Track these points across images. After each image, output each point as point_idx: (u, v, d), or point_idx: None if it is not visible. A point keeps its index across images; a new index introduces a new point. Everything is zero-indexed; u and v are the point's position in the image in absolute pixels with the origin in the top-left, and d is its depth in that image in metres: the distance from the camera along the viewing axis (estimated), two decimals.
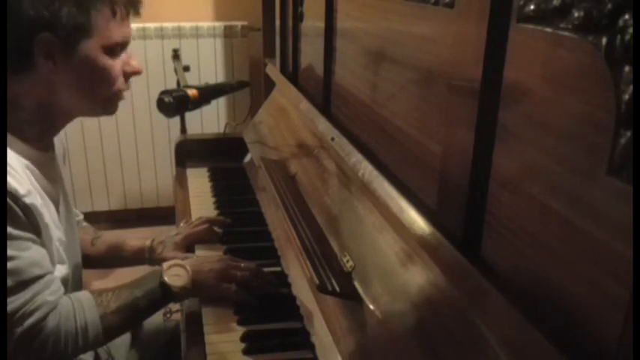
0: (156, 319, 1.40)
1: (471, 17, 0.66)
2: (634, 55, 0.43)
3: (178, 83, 2.20)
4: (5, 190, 0.87)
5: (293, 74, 1.69)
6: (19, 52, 0.92)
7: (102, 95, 1.01)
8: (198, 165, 1.80)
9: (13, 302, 0.86)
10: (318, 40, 1.35)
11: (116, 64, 1.00)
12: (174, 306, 1.56)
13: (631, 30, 0.44)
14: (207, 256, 1.09)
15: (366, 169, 0.94)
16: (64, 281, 1.01)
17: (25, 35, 0.90)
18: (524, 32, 0.58)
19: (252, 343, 0.97)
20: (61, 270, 1.00)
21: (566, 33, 0.52)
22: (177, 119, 2.14)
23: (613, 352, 0.47)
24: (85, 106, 1.02)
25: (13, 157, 0.92)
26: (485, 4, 0.62)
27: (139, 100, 2.79)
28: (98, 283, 1.97)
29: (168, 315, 1.66)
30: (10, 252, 0.86)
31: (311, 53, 1.50)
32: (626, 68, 0.44)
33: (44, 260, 0.92)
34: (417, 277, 0.75)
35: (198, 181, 1.70)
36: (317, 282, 0.87)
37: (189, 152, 1.83)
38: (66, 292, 1.02)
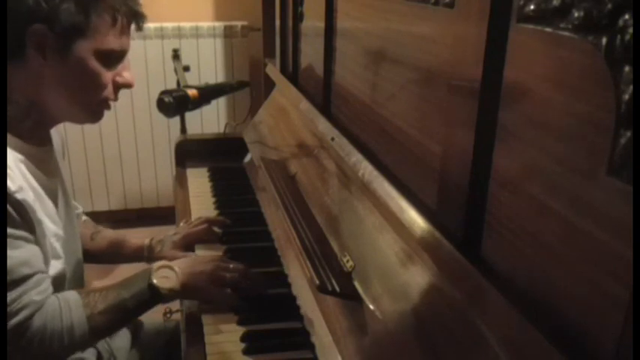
0: (156, 319, 1.40)
1: (471, 17, 0.66)
2: (634, 55, 0.43)
3: (178, 83, 2.20)
4: (5, 190, 0.87)
5: (293, 74, 1.69)
6: (12, 39, 0.92)
7: (87, 100, 1.01)
8: (198, 165, 1.80)
9: None
10: (318, 40, 1.35)
11: (107, 72, 1.00)
12: (174, 306, 1.56)
13: (631, 30, 0.44)
14: (197, 258, 1.09)
15: (366, 169, 0.94)
16: (60, 277, 1.01)
17: (20, 23, 0.90)
18: (524, 32, 0.58)
19: (252, 343, 0.97)
20: (56, 266, 1.00)
21: (566, 33, 0.52)
22: (177, 119, 2.14)
23: (613, 352, 0.47)
24: (70, 109, 1.02)
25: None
26: (485, 4, 0.62)
27: (139, 100, 2.80)
28: (98, 283, 1.97)
29: (168, 315, 1.66)
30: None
31: (311, 53, 1.50)
32: (626, 68, 0.44)
33: (34, 259, 0.92)
34: (417, 277, 0.75)
35: (198, 181, 1.70)
36: (317, 282, 0.87)
37: (189, 152, 1.83)
38: (65, 288, 1.02)
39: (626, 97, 0.45)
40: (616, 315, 0.46)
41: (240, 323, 1.03)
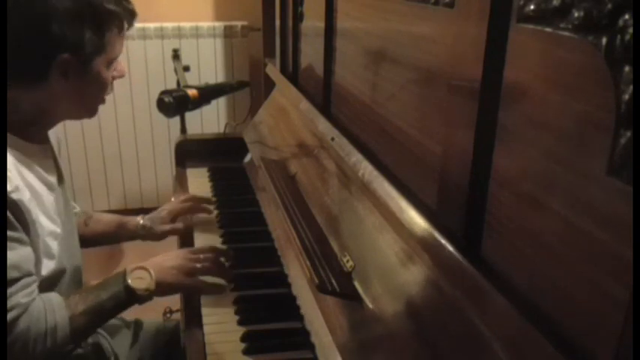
0: (156, 319, 1.41)
1: (471, 17, 0.66)
2: (634, 55, 0.43)
3: (178, 83, 2.20)
4: (5, 190, 0.88)
5: (293, 74, 1.69)
6: (37, 68, 0.96)
7: (95, 102, 1.08)
8: (198, 165, 1.80)
9: None
10: (318, 40, 1.35)
11: (110, 73, 1.06)
12: (174, 306, 1.57)
13: (631, 30, 0.44)
14: (168, 254, 1.11)
15: (366, 169, 0.94)
16: (54, 277, 1.02)
17: (48, 53, 0.95)
18: (524, 32, 0.58)
19: (252, 343, 0.97)
20: (49, 265, 1.01)
21: (566, 33, 0.52)
22: (177, 119, 2.14)
23: (613, 352, 0.47)
24: (76, 111, 1.08)
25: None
26: (485, 4, 0.62)
27: (139, 100, 2.79)
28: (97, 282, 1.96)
29: (168, 315, 1.66)
30: None
31: (311, 53, 1.50)
32: (626, 68, 0.44)
33: (24, 262, 0.92)
34: (417, 277, 0.75)
35: (198, 181, 1.70)
36: (317, 282, 0.87)
37: (189, 152, 1.84)
38: (62, 287, 1.04)
39: (626, 97, 0.45)
40: (616, 315, 0.46)
41: (240, 323, 1.03)
